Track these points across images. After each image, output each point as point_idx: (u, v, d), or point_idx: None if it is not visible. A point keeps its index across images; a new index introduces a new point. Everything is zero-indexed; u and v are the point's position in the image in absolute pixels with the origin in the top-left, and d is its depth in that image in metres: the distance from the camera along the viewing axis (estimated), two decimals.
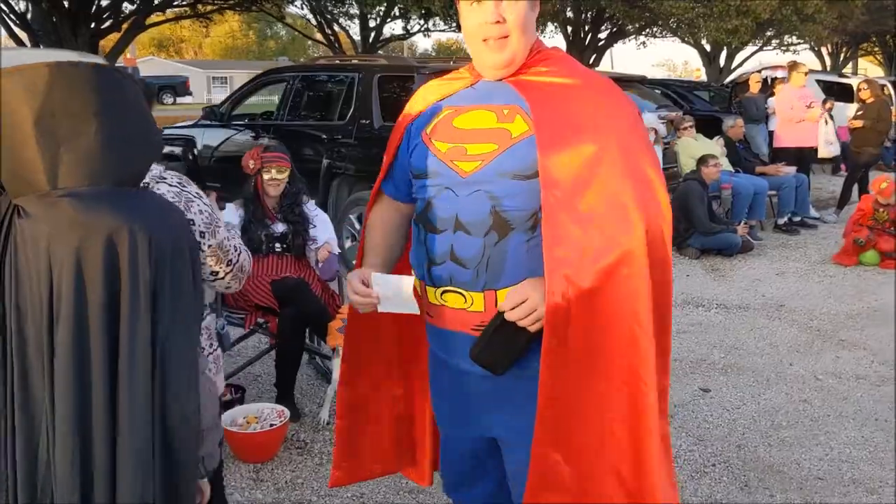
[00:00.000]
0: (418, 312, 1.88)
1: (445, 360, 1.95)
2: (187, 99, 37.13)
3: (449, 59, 9.61)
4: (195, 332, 1.66)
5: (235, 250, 2.36)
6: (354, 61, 8.02)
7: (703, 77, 24.68)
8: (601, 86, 1.84)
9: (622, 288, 1.67)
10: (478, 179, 1.77)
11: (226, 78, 50.41)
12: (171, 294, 1.60)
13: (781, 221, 9.20)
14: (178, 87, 37.35)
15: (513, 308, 1.71)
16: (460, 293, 1.81)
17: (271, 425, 3.62)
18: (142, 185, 2.18)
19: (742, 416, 4.22)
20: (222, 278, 2.37)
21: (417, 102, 2.01)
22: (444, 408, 2.06)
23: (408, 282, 1.83)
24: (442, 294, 1.85)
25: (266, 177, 4.26)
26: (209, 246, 2.27)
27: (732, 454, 3.80)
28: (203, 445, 1.62)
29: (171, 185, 2.21)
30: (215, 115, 8.52)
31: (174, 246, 1.64)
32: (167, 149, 8.98)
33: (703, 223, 7.74)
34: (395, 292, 1.85)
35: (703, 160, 8.01)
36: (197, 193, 2.26)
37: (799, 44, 23.70)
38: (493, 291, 1.78)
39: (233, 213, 4.28)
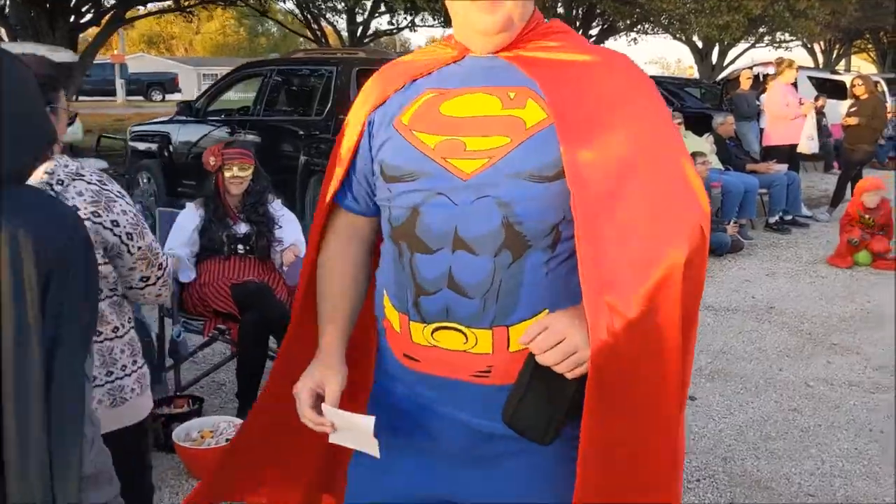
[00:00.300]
0: (378, 456, 1.48)
1: (433, 408, 1.51)
2: (176, 96, 36.85)
3: None
4: (84, 356, 1.44)
5: (163, 255, 2.15)
6: (338, 55, 7.83)
7: (696, 74, 24.53)
8: (619, 63, 1.49)
9: (668, 313, 1.36)
10: (484, 182, 1.38)
11: (216, 75, 50.01)
12: (60, 308, 1.38)
13: (772, 220, 9.02)
14: (167, 83, 37.05)
15: (545, 351, 1.33)
16: (459, 330, 1.42)
17: (227, 440, 3.40)
18: (55, 181, 1.97)
19: (729, 427, 4.02)
20: (153, 284, 2.16)
21: (381, 84, 1.57)
22: (403, 463, 1.56)
23: (367, 423, 1.44)
24: (434, 332, 1.44)
25: (227, 174, 4.04)
26: (139, 248, 2.06)
27: (718, 468, 3.59)
28: (88, 497, 1.39)
29: (89, 183, 1.99)
30: (191, 111, 8.30)
31: (66, 251, 1.42)
32: (144, 145, 8.77)
33: None
34: (350, 429, 1.48)
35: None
36: (119, 192, 2.04)
37: (791, 41, 23.53)
38: (505, 328, 1.40)
39: (192, 213, 4.05)
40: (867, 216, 7.39)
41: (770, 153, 9.78)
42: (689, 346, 1.45)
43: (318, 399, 1.51)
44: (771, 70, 11.59)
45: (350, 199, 1.61)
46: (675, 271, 1.34)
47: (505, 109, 1.42)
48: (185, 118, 8.34)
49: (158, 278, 2.15)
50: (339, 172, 1.60)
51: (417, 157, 1.44)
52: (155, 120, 9.51)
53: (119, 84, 32.51)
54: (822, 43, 29.02)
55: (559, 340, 1.33)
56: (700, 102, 13.81)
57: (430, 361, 1.47)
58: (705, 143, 8.95)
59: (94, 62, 32.16)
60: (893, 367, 4.84)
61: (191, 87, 43.48)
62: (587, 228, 1.33)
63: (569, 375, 1.34)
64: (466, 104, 1.45)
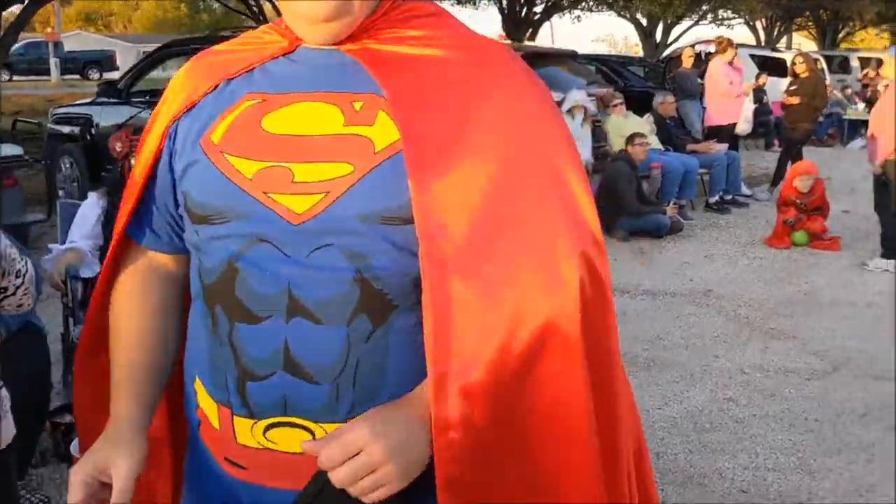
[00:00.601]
0: None
1: None
2: (115, 74, 35.82)
3: None
4: None
5: (21, 259, 1.92)
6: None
7: (641, 52, 24.56)
8: (492, 57, 1.12)
9: (564, 381, 1.02)
10: (323, 227, 1.02)
11: None
12: None
13: (712, 200, 8.99)
14: (105, 62, 35.88)
15: (334, 467, 0.98)
16: (304, 427, 1.05)
17: None
18: None
19: (663, 419, 3.90)
20: (12, 294, 1.93)
21: (191, 82, 1.17)
22: None
23: None
24: (267, 431, 1.07)
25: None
26: None
27: (651, 463, 3.47)
28: None
29: None
30: (114, 92, 7.94)
31: None
32: (67, 129, 8.39)
33: (631, 207, 7.44)
34: None
35: (630, 139, 7.72)
36: None
37: (733, 18, 23.69)
38: None
39: (94, 204, 3.78)
40: (799, 201, 7.34)
41: (712, 133, 9.74)
42: (616, 407, 1.09)
43: (105, 489, 1.07)
44: (713, 49, 11.57)
45: (149, 235, 1.22)
46: (562, 325, 1.01)
47: (348, 126, 1.05)
48: (108, 99, 7.98)
49: (18, 287, 1.92)
50: (129, 203, 1.19)
51: (229, 191, 1.06)
52: (77, 102, 9.10)
53: (53, 63, 31.42)
54: (763, 20, 29.28)
55: (353, 454, 0.97)
56: (643, 81, 13.76)
57: (261, 469, 1.09)
58: (645, 124, 8.87)
59: (30, 41, 30.79)
60: (829, 351, 4.81)
61: (130, 65, 42.48)
62: (436, 291, 0.99)
63: (364, 500, 0.99)
64: (297, 117, 1.07)
